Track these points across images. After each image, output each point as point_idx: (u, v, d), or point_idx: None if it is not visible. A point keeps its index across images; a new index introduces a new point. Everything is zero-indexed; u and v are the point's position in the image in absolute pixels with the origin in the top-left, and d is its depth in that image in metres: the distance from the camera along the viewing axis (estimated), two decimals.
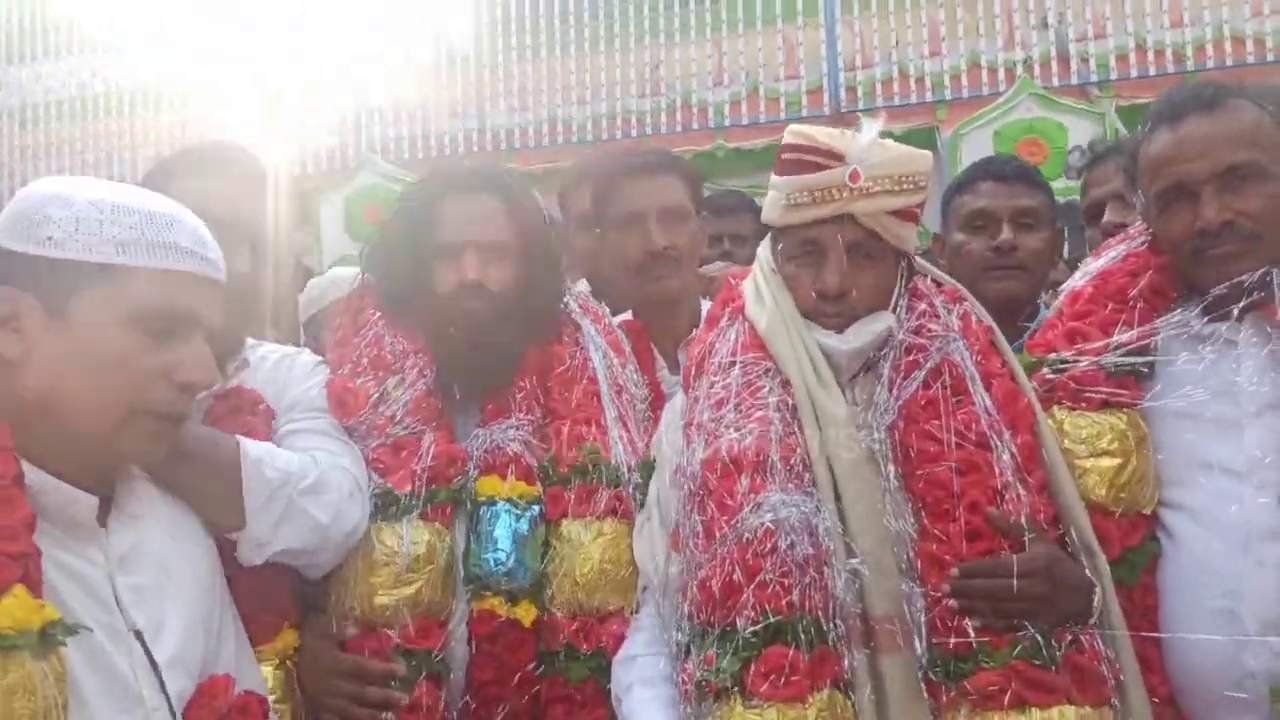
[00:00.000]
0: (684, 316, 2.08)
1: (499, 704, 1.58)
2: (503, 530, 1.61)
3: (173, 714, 1.19)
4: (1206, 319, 1.57)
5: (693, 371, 1.64)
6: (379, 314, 1.76)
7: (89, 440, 1.16)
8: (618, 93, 7.57)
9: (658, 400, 1.90)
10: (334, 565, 1.56)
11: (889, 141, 1.56)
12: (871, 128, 1.56)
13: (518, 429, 1.70)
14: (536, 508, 1.65)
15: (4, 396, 1.14)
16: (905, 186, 1.52)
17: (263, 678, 1.42)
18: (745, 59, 7.42)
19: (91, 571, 1.17)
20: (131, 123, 7.87)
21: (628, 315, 2.13)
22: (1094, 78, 6.73)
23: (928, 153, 1.60)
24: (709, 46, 7.48)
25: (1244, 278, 1.50)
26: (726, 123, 7.35)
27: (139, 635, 1.19)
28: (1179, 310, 1.60)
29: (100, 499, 1.20)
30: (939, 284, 1.67)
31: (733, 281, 1.73)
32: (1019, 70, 6.74)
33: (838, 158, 1.51)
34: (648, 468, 1.72)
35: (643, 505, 1.68)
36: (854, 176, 1.49)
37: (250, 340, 1.72)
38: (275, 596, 1.51)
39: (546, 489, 1.67)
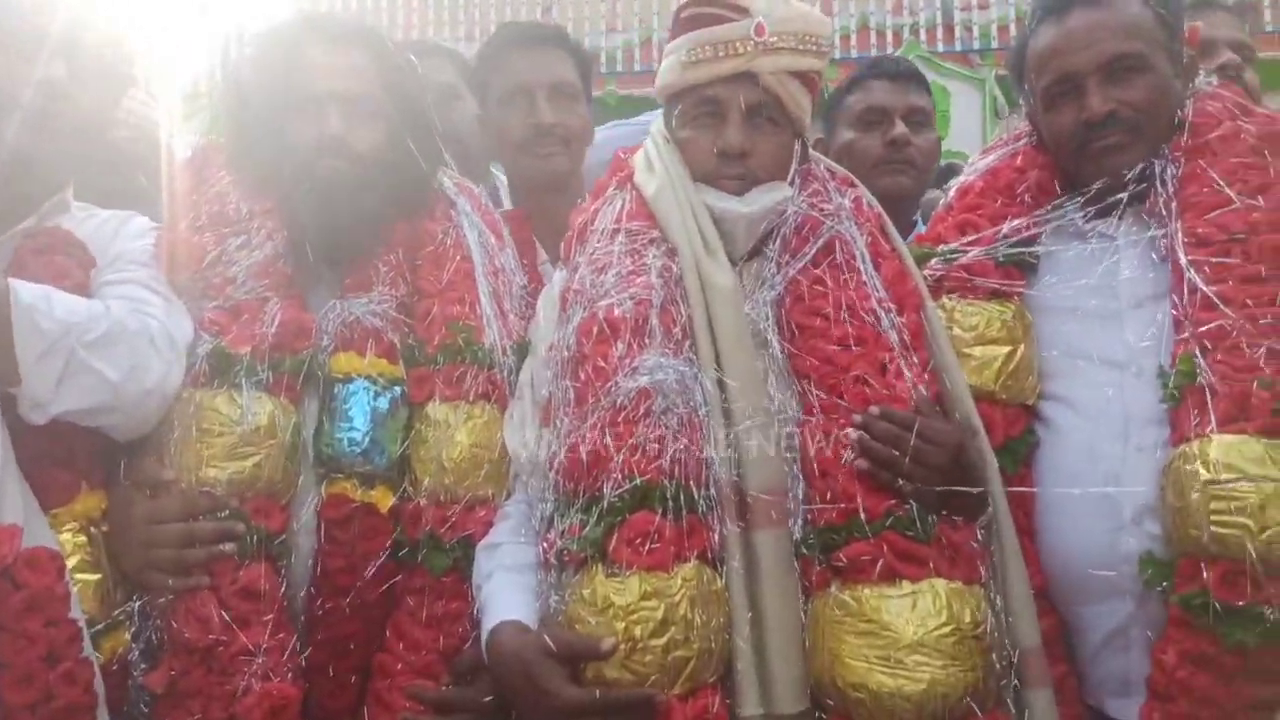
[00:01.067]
0: (570, 206, 1.98)
1: (346, 594, 1.45)
2: (359, 408, 1.49)
3: None
4: (1088, 215, 1.58)
5: (574, 240, 1.55)
6: (224, 172, 1.59)
7: None
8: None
9: (537, 290, 1.77)
10: (141, 428, 1.39)
11: None
12: None
13: (381, 304, 1.56)
14: (398, 388, 1.52)
15: None
16: (809, 46, 1.48)
17: (58, 541, 1.26)
18: (639, 7, 7.33)
19: None
20: None
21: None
22: (976, 45, 6.93)
23: (827, 18, 1.56)
24: None
25: (1125, 174, 1.51)
26: (619, 70, 7.25)
27: None
28: (1064, 205, 1.60)
29: None
30: (831, 172, 1.63)
31: (622, 155, 1.64)
32: (906, 34, 6.88)
33: (742, 10, 1.45)
34: (522, 350, 1.61)
35: (516, 388, 1.58)
36: (759, 30, 1.44)
37: (81, 204, 1.53)
38: (71, 454, 1.34)
39: (412, 370, 1.54)
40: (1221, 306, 1.37)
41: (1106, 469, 1.46)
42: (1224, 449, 1.30)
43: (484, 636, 1.38)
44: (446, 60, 2.40)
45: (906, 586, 1.30)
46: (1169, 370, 1.41)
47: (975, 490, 1.38)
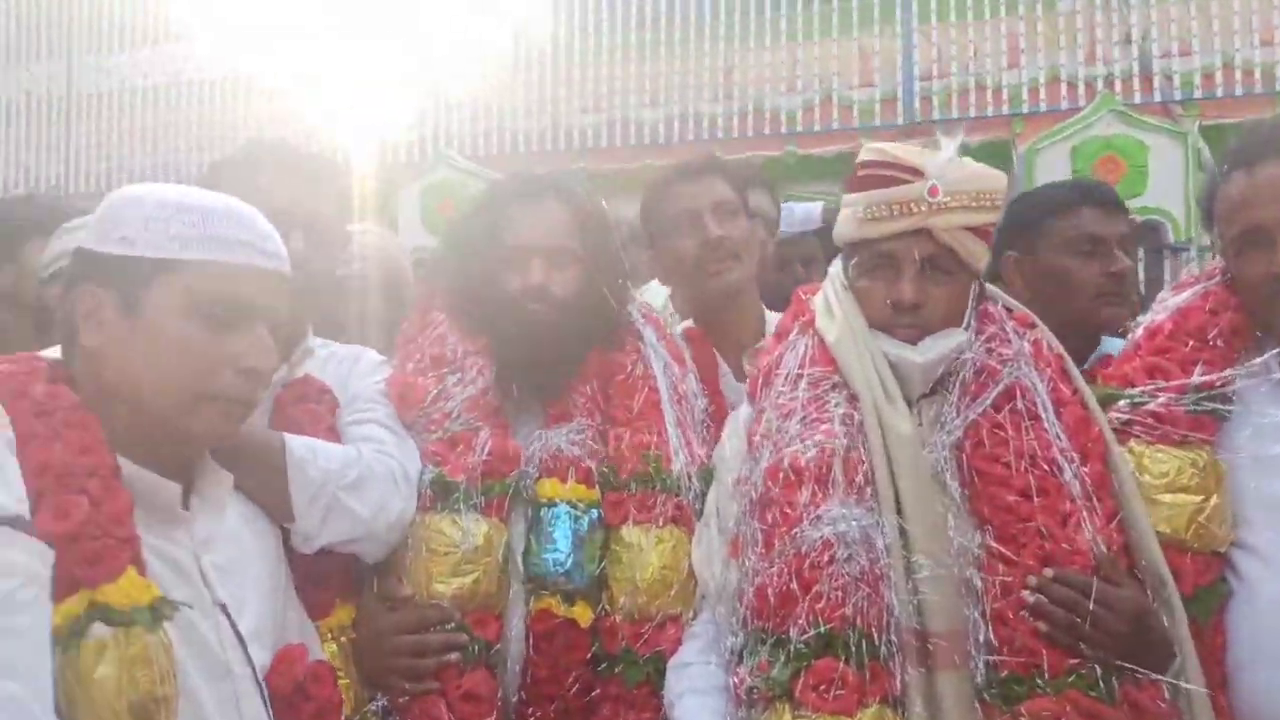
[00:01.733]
0: (747, 320, 2.11)
1: (553, 701, 1.63)
2: (562, 531, 1.67)
3: (257, 683, 1.27)
4: None
5: (760, 383, 1.66)
6: (444, 315, 1.82)
7: (162, 425, 1.23)
8: (690, 96, 7.61)
9: (720, 409, 1.92)
10: (385, 552, 1.62)
11: (967, 159, 1.59)
12: (950, 145, 1.58)
13: (579, 433, 1.74)
14: (595, 511, 1.70)
15: (90, 388, 1.22)
16: (983, 204, 1.54)
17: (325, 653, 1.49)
18: (820, 66, 7.40)
19: (179, 553, 1.24)
20: (222, 110, 8.13)
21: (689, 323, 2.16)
22: (1178, 96, 6.58)
23: (1002, 173, 1.61)
24: (783, 53, 7.47)
25: None
26: (798, 129, 7.34)
27: (224, 609, 1.27)
28: (1258, 356, 1.60)
29: (182, 486, 1.27)
30: (1009, 309, 1.69)
31: (803, 296, 1.76)
32: (1099, 86, 6.62)
33: (917, 173, 1.53)
34: (708, 476, 1.75)
35: (702, 514, 1.71)
36: (933, 191, 1.51)
37: (319, 340, 1.79)
38: (329, 575, 1.58)
39: (607, 494, 1.71)
40: None
41: None
42: None
43: None
44: (723, 181, 2.62)
45: None
46: None
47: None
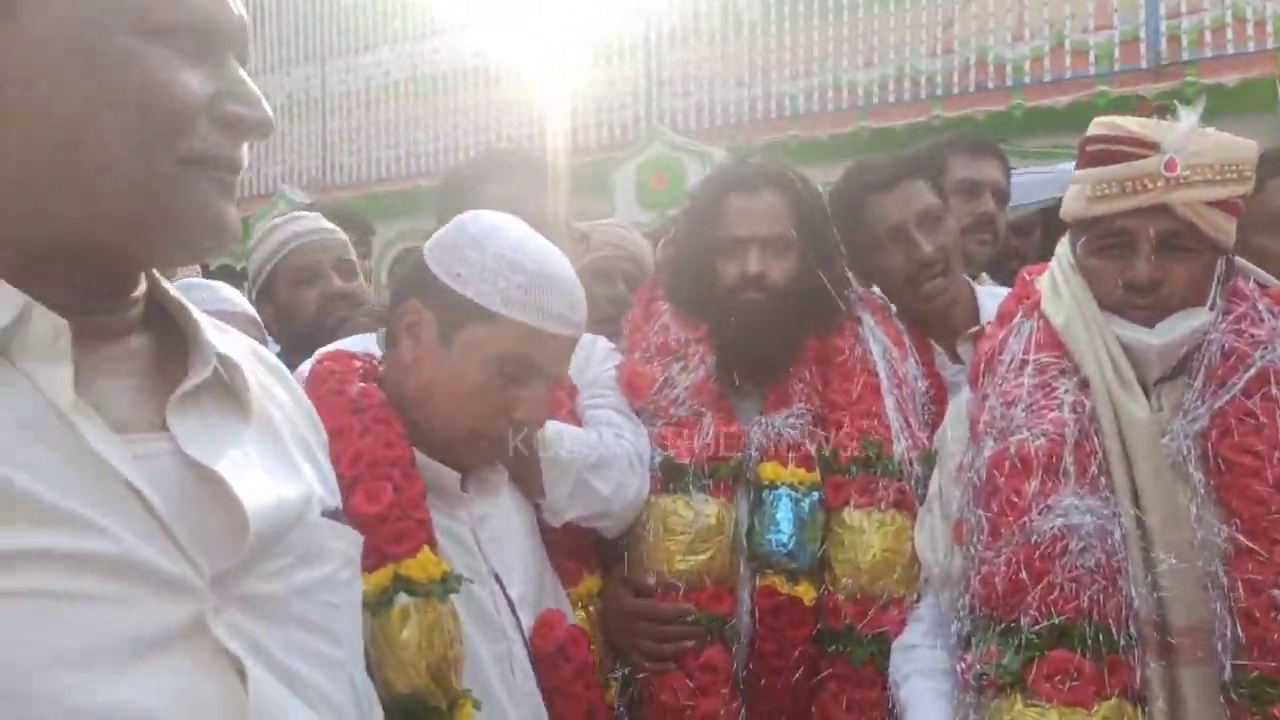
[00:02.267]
0: (960, 305, 2.07)
1: (780, 674, 1.71)
2: (784, 513, 1.73)
3: (525, 644, 1.44)
4: None
5: (982, 368, 1.64)
6: (667, 304, 1.92)
7: (440, 442, 1.42)
8: (906, 53, 7.33)
9: (939, 392, 1.92)
10: (624, 528, 1.74)
11: (1209, 129, 1.48)
12: (1190, 115, 1.49)
13: (799, 418, 1.80)
14: (816, 494, 1.75)
15: (394, 389, 1.42)
16: (1229, 176, 1.44)
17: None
18: (1049, 10, 6.91)
19: (459, 529, 1.43)
20: (456, 100, 8.69)
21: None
22: None
23: (1253, 142, 1.49)
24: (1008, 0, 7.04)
25: None
26: (1026, 80, 6.91)
27: (498, 578, 1.44)
28: None
29: (461, 474, 1.46)
30: (1262, 286, 1.57)
31: (1027, 277, 1.71)
32: None
33: (1152, 146, 1.44)
34: (930, 460, 1.76)
35: (925, 498, 1.72)
36: (1170, 165, 1.43)
37: None
38: (578, 548, 1.72)
39: (828, 477, 1.76)
40: None
41: None
42: None
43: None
44: (1003, 163, 2.63)
45: None
46: None
47: None
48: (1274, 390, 1.44)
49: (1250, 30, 6.27)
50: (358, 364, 1.44)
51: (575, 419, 1.76)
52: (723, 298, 1.83)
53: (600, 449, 1.68)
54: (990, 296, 2.07)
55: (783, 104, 7.62)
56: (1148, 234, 1.46)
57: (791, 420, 1.80)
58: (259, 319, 2.30)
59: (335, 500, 0.95)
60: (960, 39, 7.20)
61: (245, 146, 0.83)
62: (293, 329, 2.33)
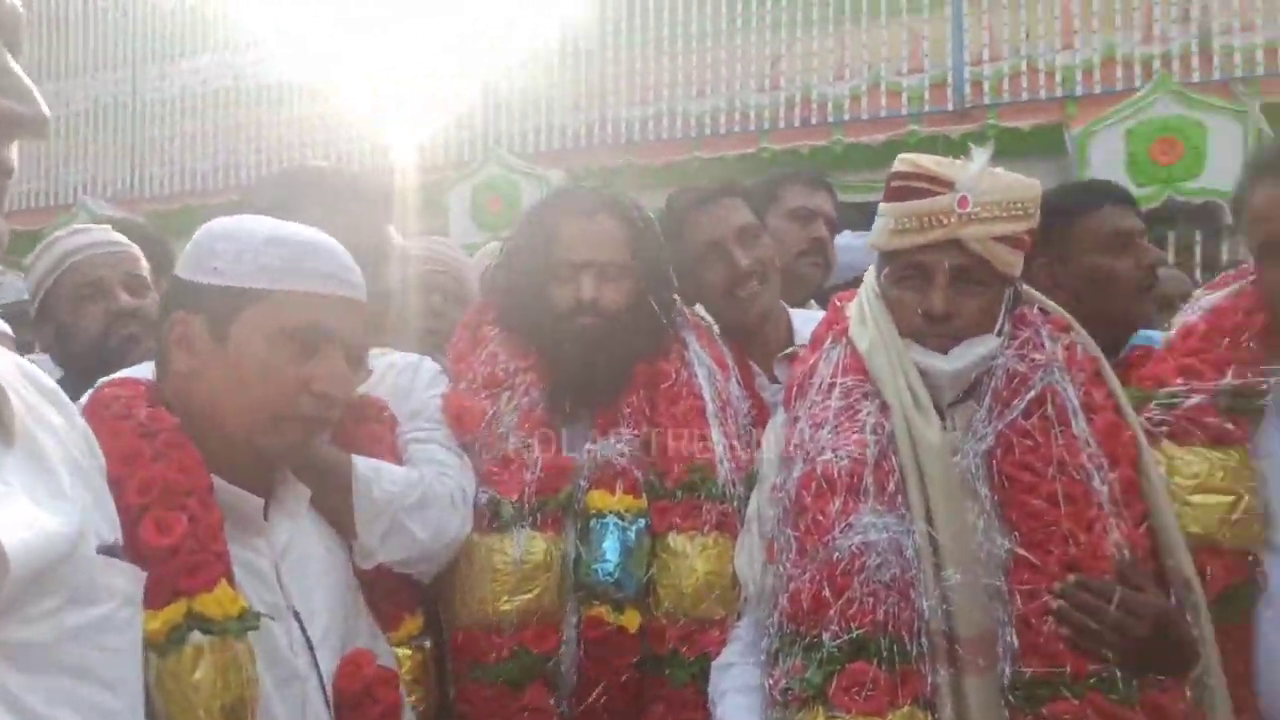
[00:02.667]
0: (777, 326, 2.14)
1: (605, 703, 1.71)
2: (611, 543, 1.74)
3: (323, 688, 1.36)
4: None
5: (794, 391, 1.71)
6: (496, 330, 1.89)
7: (243, 443, 1.32)
8: (737, 86, 7.60)
9: (760, 412, 1.97)
10: (438, 571, 1.69)
11: (999, 170, 1.60)
12: (981, 155, 1.60)
13: (627, 443, 1.81)
14: (642, 520, 1.76)
15: (182, 409, 1.32)
16: (1015, 213, 1.56)
17: (395, 658, 1.58)
18: (868, 52, 7.33)
19: (259, 561, 1.35)
20: (282, 113, 8.34)
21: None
22: (1238, 73, 6.40)
23: (1036, 181, 1.62)
24: (830, 40, 7.42)
25: None
26: (846, 117, 7.29)
27: (297, 615, 1.36)
28: None
29: (264, 500, 1.37)
30: (1045, 313, 1.70)
31: (838, 304, 1.80)
32: (1156, 65, 6.46)
33: (946, 184, 1.55)
34: (750, 480, 1.80)
35: (745, 521, 1.76)
36: (963, 203, 1.54)
37: (376, 350, 1.86)
38: (396, 589, 1.65)
39: (654, 502, 1.78)
40: None
41: None
42: None
43: None
44: (834, 199, 2.84)
45: None
46: None
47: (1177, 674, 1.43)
48: (1051, 411, 1.56)
49: (1042, 80, 6.85)
50: (143, 388, 1.35)
51: (395, 455, 1.70)
52: (555, 323, 1.82)
53: (420, 489, 1.62)
54: (805, 320, 2.16)
55: (619, 130, 7.73)
56: (943, 267, 1.56)
57: (619, 446, 1.81)
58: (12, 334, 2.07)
59: (114, 534, 0.88)
60: (787, 76, 7.52)
61: (14, 146, 0.78)
62: (73, 349, 2.14)
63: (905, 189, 1.59)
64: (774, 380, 2.08)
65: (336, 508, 1.52)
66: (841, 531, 1.50)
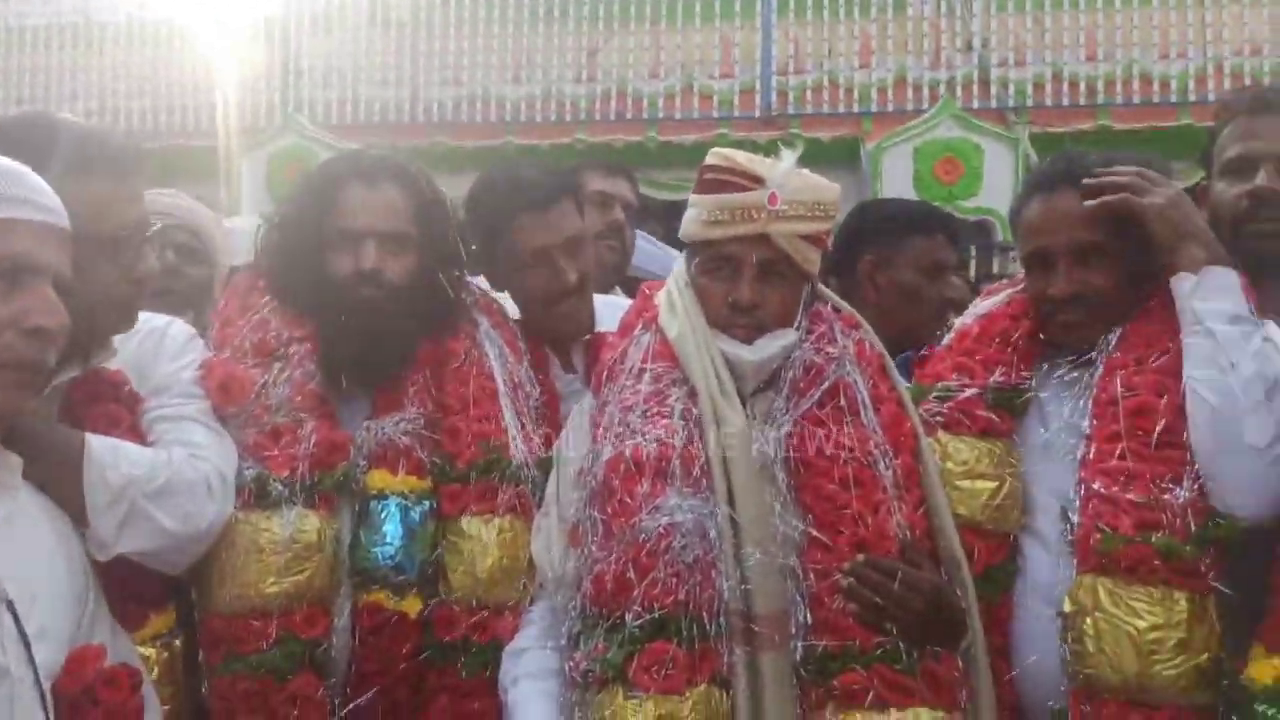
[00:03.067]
0: (580, 315, 2.07)
1: (381, 694, 1.61)
2: (392, 524, 1.65)
3: (39, 686, 1.18)
4: (1071, 365, 1.74)
5: (604, 376, 1.70)
6: (268, 298, 1.75)
7: None
8: (553, 75, 7.56)
9: (551, 399, 1.93)
10: (188, 563, 1.53)
11: (805, 170, 1.65)
12: (790, 156, 1.65)
13: (411, 422, 1.72)
14: (427, 503, 1.68)
15: None
16: (817, 213, 1.62)
17: (139, 657, 1.41)
18: (683, 53, 7.49)
19: None
20: (50, 59, 7.56)
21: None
22: (1012, 103, 7.01)
23: (836, 185, 1.68)
24: (646, 37, 7.52)
25: (1084, 346, 1.69)
26: (660, 115, 7.41)
27: (10, 606, 1.17)
28: (1049, 359, 1.77)
29: None
30: (838, 310, 1.78)
31: (648, 291, 1.80)
32: (942, 90, 6.97)
33: (758, 181, 1.59)
34: (545, 465, 1.76)
35: (540, 503, 1.72)
36: (772, 199, 1.57)
37: None
38: (140, 586, 1.48)
39: (443, 485, 1.69)
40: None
41: (1059, 597, 1.57)
42: (1078, 587, 1.52)
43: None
44: (634, 186, 2.84)
45: (894, 714, 1.44)
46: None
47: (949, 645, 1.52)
48: (842, 401, 1.63)
49: (842, 95, 7.25)
50: None
51: (137, 435, 1.52)
52: (333, 293, 1.70)
53: (167, 471, 1.45)
54: (606, 306, 2.13)
55: (430, 110, 7.52)
56: (751, 260, 1.60)
57: (403, 425, 1.71)
58: None
59: None
60: (604, 69, 7.57)
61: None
62: None
63: (717, 182, 1.62)
64: (568, 369, 2.05)
65: (65, 491, 1.34)
66: (648, 514, 1.49)
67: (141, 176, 1.55)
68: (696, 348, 1.62)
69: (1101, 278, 1.67)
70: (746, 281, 1.60)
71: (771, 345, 1.61)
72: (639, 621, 1.45)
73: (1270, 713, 1.37)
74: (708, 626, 1.47)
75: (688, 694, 1.43)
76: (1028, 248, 1.75)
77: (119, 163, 1.49)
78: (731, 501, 1.55)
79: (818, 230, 1.63)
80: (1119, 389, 1.60)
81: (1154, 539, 1.49)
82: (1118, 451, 1.56)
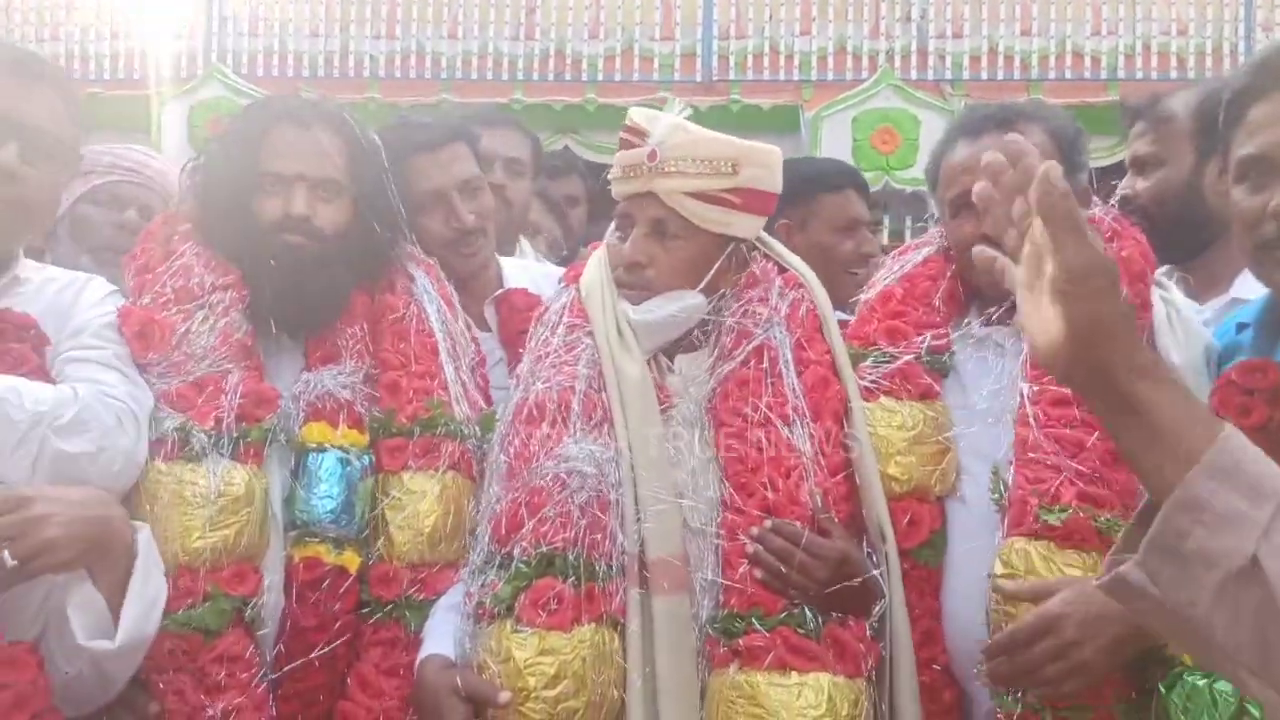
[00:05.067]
0: (487, 273, 2.09)
1: (314, 651, 1.56)
2: (332, 477, 1.60)
3: None
4: (988, 322, 1.73)
5: (531, 331, 1.70)
6: (190, 242, 1.68)
7: None
8: (490, 32, 7.40)
9: (480, 358, 1.90)
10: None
11: (692, 125, 1.62)
12: (674, 107, 1.64)
13: (350, 375, 1.68)
14: (367, 457, 1.65)
15: None
16: (705, 170, 1.58)
17: None
18: (623, 15, 7.39)
19: None
20: None
21: None
22: (949, 75, 7.07)
23: (732, 139, 1.63)
24: None
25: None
26: (600, 77, 7.31)
27: None
28: (967, 319, 1.78)
29: None
30: (783, 269, 1.75)
31: (586, 250, 1.80)
32: (881, 60, 7.00)
33: (643, 135, 1.59)
34: (486, 422, 1.73)
35: (483, 460, 1.70)
36: (652, 155, 1.57)
37: (34, 264, 1.62)
38: None
39: (383, 440, 1.67)
40: (1029, 425, 1.57)
41: (986, 565, 1.58)
42: (1007, 550, 1.51)
43: (415, 664, 1.53)
44: (519, 135, 2.60)
45: (795, 677, 1.43)
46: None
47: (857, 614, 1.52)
48: (765, 363, 1.61)
49: (782, 62, 7.23)
50: None
51: (45, 377, 1.46)
52: (260, 239, 1.64)
53: (74, 407, 1.39)
54: (515, 267, 2.14)
55: (361, 64, 7.31)
56: (639, 218, 1.60)
57: (341, 379, 1.67)
58: None
59: None
60: (542, 28, 7.43)
61: None
62: None
63: (622, 140, 1.64)
64: (483, 327, 2.02)
65: None
66: (548, 456, 1.50)
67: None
68: (601, 302, 1.63)
69: None
70: (633, 240, 1.60)
71: (662, 308, 1.60)
72: (526, 557, 1.46)
73: (1199, 681, 1.35)
74: (596, 567, 1.47)
75: (575, 632, 1.43)
76: (953, 190, 1.72)
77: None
78: (630, 448, 1.55)
79: (708, 187, 1.59)
80: None
81: (1100, 519, 1.47)
82: (1064, 418, 1.55)
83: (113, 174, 2.18)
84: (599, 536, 1.47)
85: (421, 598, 1.61)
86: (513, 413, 1.57)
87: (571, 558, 1.45)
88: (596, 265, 1.68)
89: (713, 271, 1.63)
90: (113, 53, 6.97)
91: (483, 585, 1.48)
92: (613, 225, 1.69)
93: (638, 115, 1.61)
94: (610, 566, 1.47)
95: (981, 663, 1.53)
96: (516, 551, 1.46)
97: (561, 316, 1.65)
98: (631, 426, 1.55)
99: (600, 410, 1.55)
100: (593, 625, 1.44)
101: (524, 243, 2.65)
